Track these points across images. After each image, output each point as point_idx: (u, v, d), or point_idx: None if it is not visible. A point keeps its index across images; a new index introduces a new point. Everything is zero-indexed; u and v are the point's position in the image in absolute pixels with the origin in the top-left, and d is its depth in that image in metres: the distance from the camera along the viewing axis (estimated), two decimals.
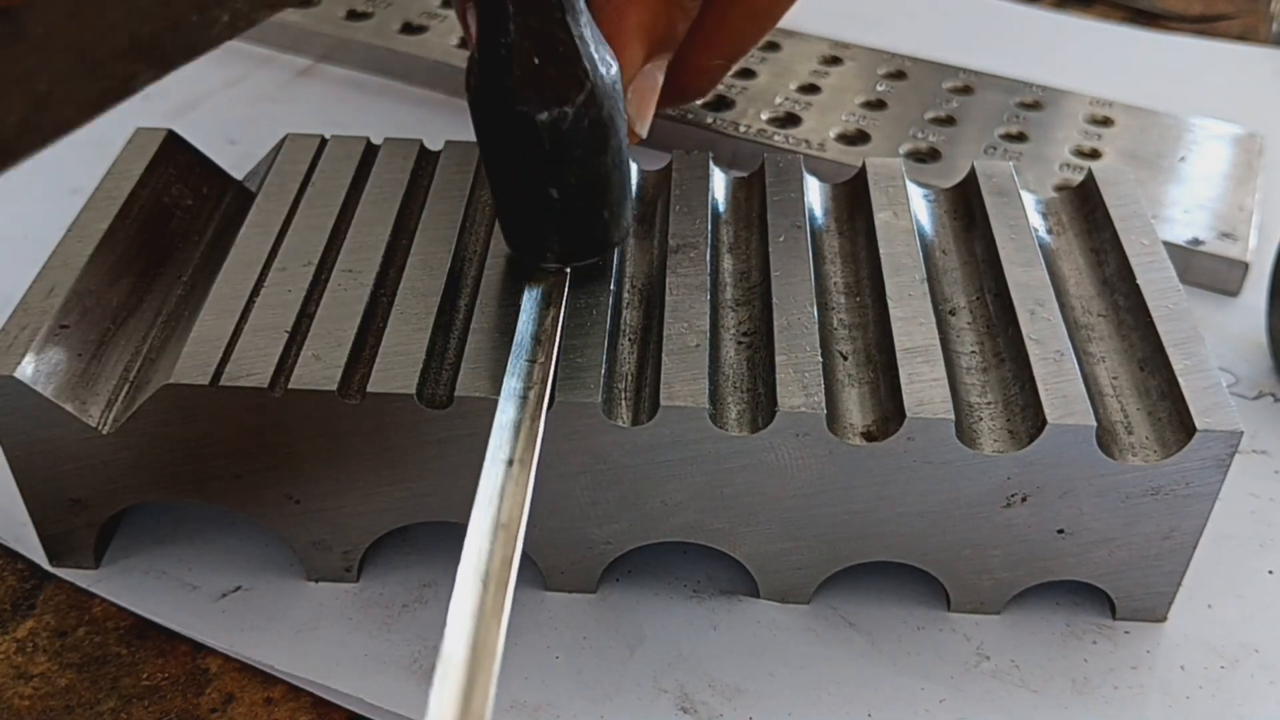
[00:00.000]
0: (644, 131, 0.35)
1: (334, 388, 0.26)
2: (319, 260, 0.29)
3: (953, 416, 0.26)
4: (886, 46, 0.50)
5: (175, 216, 0.32)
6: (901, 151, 0.43)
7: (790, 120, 0.45)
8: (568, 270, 0.28)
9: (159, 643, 0.29)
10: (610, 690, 0.27)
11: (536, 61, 0.25)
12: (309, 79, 0.50)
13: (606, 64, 0.26)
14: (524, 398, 0.25)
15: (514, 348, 0.26)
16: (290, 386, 0.26)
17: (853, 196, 0.33)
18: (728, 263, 0.31)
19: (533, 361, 0.26)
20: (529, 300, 0.27)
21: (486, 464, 0.23)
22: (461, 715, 0.18)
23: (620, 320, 0.29)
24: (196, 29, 0.17)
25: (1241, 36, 0.56)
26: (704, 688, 0.28)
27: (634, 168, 0.33)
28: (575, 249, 0.28)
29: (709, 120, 0.44)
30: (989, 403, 0.27)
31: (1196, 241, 0.40)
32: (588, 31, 0.26)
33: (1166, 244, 0.32)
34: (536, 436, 0.24)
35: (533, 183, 0.27)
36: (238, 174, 0.35)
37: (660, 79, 0.35)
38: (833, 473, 0.27)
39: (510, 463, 0.23)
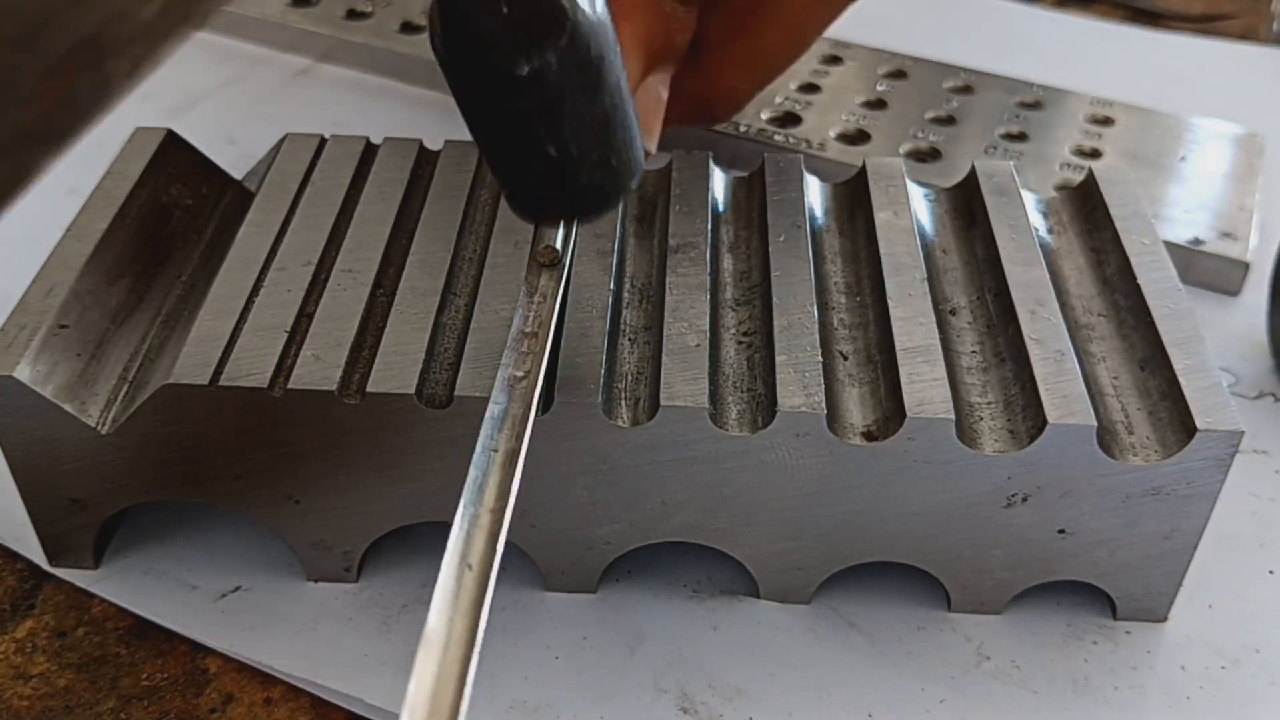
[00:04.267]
0: (653, 147, 0.34)
1: (334, 388, 0.26)
2: (318, 260, 0.29)
3: (953, 416, 0.26)
4: (887, 46, 0.49)
5: (174, 216, 0.32)
6: (902, 151, 0.43)
7: (790, 120, 0.45)
8: (565, 263, 0.28)
9: (158, 643, 0.29)
10: (610, 690, 0.27)
11: (505, 9, 0.22)
12: (308, 79, 0.50)
13: None
14: (514, 387, 0.25)
15: (509, 340, 0.26)
16: (290, 386, 0.26)
17: (853, 196, 0.33)
18: (728, 262, 0.31)
19: (526, 353, 0.26)
20: (524, 294, 0.27)
21: (477, 451, 0.23)
22: (436, 697, 0.18)
23: (620, 320, 0.29)
24: (94, 92, 0.16)
25: (1242, 36, 0.56)
26: (704, 688, 0.28)
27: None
28: (583, 204, 0.26)
29: None
30: (989, 402, 0.27)
31: (1197, 241, 0.39)
32: None
33: (1167, 244, 0.32)
34: (526, 425, 0.24)
35: (525, 143, 0.24)
36: (237, 174, 0.35)
37: (664, 93, 0.35)
38: (833, 473, 0.27)
39: (497, 450, 0.23)
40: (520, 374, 0.25)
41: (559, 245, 0.28)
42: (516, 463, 0.23)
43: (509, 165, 0.25)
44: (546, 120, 0.23)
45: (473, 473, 0.23)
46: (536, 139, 0.24)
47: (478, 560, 0.21)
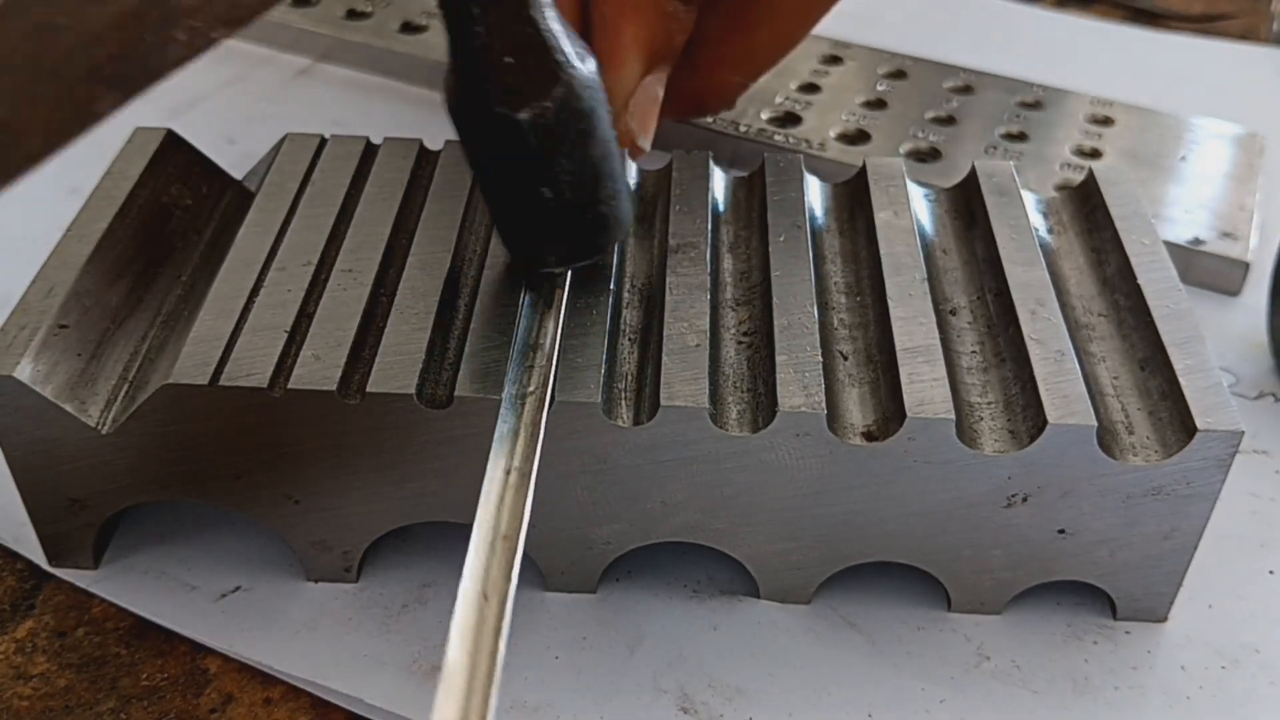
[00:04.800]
0: (647, 145, 0.35)
1: (333, 388, 0.26)
2: (319, 260, 0.29)
3: (953, 416, 0.26)
4: (887, 46, 0.49)
5: (174, 216, 0.32)
6: (902, 151, 0.43)
7: (790, 120, 0.45)
8: (567, 273, 0.28)
9: (158, 643, 0.29)
10: (610, 690, 0.27)
11: (510, 60, 0.25)
12: (308, 79, 0.50)
13: (582, 56, 0.26)
14: (522, 404, 0.25)
15: (513, 354, 0.26)
16: (290, 386, 0.26)
17: (853, 196, 0.33)
18: (728, 262, 0.31)
19: (531, 367, 0.26)
20: (527, 306, 0.27)
21: (487, 473, 0.23)
22: None
23: (620, 320, 0.29)
24: (154, 51, 0.17)
25: (1242, 36, 0.56)
26: (704, 688, 0.28)
27: (632, 167, 0.33)
28: (575, 250, 0.28)
29: (709, 120, 0.44)
30: (990, 402, 0.27)
31: (1197, 241, 0.39)
32: (556, 25, 0.26)
33: (1167, 243, 0.32)
34: (536, 444, 0.24)
35: (524, 185, 0.26)
36: (237, 174, 0.35)
37: (660, 92, 0.35)
38: (833, 473, 0.27)
39: (509, 472, 0.23)
40: (528, 390, 0.25)
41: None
42: (529, 485, 0.23)
43: (507, 205, 0.27)
44: (543, 162, 0.26)
45: (485, 499, 0.22)
46: (532, 179, 0.26)
47: (495, 590, 0.21)
